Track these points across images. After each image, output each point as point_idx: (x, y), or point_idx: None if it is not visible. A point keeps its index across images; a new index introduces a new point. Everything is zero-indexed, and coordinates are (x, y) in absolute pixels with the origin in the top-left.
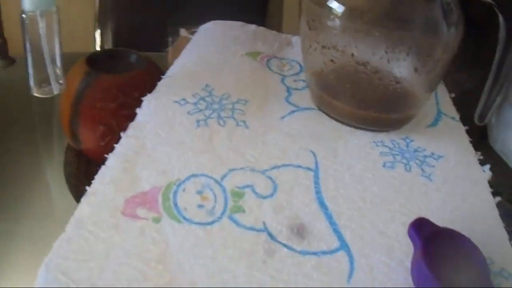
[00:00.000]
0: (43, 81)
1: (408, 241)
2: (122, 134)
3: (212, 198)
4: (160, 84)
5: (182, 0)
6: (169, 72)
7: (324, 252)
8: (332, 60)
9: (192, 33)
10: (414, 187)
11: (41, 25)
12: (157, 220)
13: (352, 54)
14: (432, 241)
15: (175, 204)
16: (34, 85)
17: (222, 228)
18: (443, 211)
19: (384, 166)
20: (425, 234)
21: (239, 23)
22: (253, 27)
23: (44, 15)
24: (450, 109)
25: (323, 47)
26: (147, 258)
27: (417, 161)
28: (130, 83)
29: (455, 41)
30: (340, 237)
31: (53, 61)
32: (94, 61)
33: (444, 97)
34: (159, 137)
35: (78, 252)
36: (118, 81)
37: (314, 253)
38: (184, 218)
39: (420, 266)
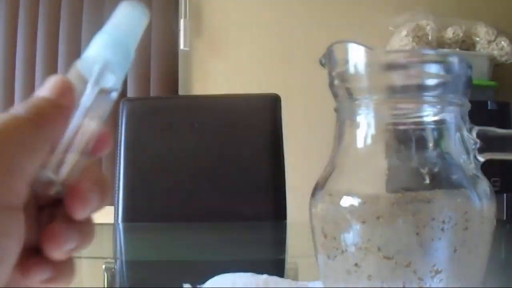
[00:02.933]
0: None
1: None
2: None
3: None
4: None
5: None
6: None
7: None
8: (356, 265)
9: None
10: None
11: (89, 94)
12: None
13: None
14: None
15: None
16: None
17: None
18: None
19: None
20: None
21: (249, 273)
22: (264, 276)
23: (100, 84)
24: None
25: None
26: None
27: None
28: None
29: None
30: None
31: (69, 150)
32: None
33: None
34: None
35: None
36: None
37: None
38: None
39: None
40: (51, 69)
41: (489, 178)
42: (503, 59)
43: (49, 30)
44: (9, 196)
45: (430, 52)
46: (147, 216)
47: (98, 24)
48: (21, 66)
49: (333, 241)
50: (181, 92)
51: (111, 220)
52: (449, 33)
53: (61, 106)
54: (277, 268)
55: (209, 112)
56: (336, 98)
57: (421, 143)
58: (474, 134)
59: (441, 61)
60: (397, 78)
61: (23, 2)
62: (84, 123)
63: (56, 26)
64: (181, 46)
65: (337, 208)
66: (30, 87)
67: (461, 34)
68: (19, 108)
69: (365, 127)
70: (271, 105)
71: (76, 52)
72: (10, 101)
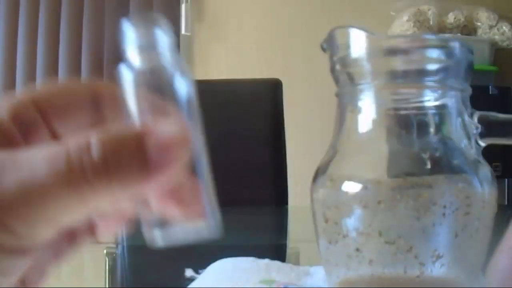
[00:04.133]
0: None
1: None
2: None
3: None
4: None
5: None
6: None
7: None
8: (357, 249)
9: (199, 273)
10: None
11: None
12: None
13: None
14: None
15: None
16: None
17: None
18: None
19: None
20: None
21: (250, 258)
22: (265, 261)
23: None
24: None
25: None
26: None
27: None
28: None
29: None
30: None
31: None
32: None
33: None
34: None
35: None
36: None
37: None
38: None
39: None
40: (52, 69)
41: (490, 163)
42: (504, 44)
43: (50, 30)
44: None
45: (431, 37)
46: None
47: (98, 24)
48: (21, 66)
49: (334, 226)
50: None
51: None
52: (451, 18)
53: None
54: (279, 253)
55: (210, 97)
56: (337, 83)
57: (422, 128)
58: (475, 119)
59: (442, 46)
60: (398, 63)
61: (23, 2)
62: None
63: (57, 26)
64: (183, 31)
65: (338, 193)
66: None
67: (462, 19)
68: None
69: (367, 112)
70: (272, 90)
71: (76, 52)
72: None
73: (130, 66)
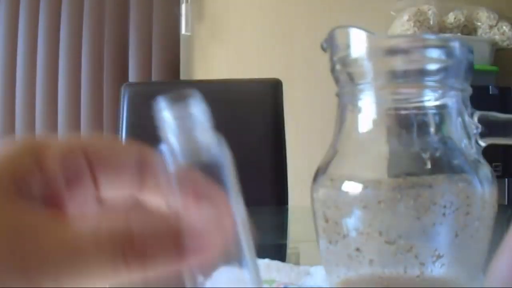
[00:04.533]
0: None
1: None
2: None
3: None
4: None
5: None
6: None
7: None
8: (358, 249)
9: None
10: None
11: None
12: None
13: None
14: None
15: None
16: None
17: None
18: None
19: None
20: None
21: None
22: (266, 260)
23: None
24: None
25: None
26: None
27: None
28: None
29: None
30: None
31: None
32: None
33: None
34: None
35: None
36: None
37: None
38: None
39: None
40: (52, 69)
41: (490, 163)
42: (505, 43)
43: (50, 30)
44: None
45: (431, 37)
46: None
47: (98, 24)
48: (21, 66)
49: (334, 226)
50: (182, 76)
51: None
52: (451, 18)
53: None
54: (279, 252)
55: (210, 97)
56: (337, 83)
57: (423, 128)
58: (475, 119)
59: (443, 46)
60: (399, 63)
61: (23, 2)
62: None
63: (57, 26)
64: (183, 31)
65: (339, 193)
66: (30, 87)
67: (462, 19)
68: None
69: (367, 112)
70: (272, 89)
71: (76, 52)
72: (10, 101)
73: (169, 146)
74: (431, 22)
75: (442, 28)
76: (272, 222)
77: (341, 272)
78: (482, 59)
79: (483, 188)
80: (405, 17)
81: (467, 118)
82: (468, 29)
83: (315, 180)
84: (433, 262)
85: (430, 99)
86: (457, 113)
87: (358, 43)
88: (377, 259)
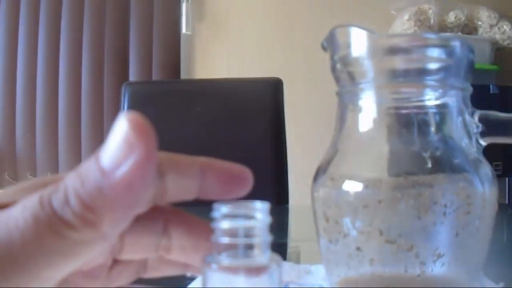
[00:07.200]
0: None
1: None
2: None
3: None
4: None
5: None
6: None
7: None
8: (358, 248)
9: None
10: None
11: None
12: None
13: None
14: None
15: None
16: None
17: None
18: None
19: None
20: None
21: None
22: None
23: None
24: None
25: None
26: None
27: None
28: None
29: None
30: None
31: None
32: None
33: None
34: None
35: None
36: None
37: None
38: None
39: None
40: (52, 69)
41: (491, 162)
42: (505, 43)
43: (50, 30)
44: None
45: (432, 36)
46: None
47: (98, 24)
48: (21, 66)
49: (335, 225)
50: (183, 76)
51: None
52: (451, 17)
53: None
54: (279, 251)
55: (211, 96)
56: (338, 82)
57: (423, 127)
58: (476, 118)
59: (443, 45)
60: (399, 62)
61: (24, 4)
62: None
63: (57, 26)
64: (183, 30)
65: (339, 192)
66: (31, 87)
67: (463, 18)
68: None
69: (367, 111)
70: (273, 89)
71: (76, 52)
72: (10, 101)
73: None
74: (432, 21)
75: (442, 27)
76: (272, 221)
77: (341, 271)
78: (483, 58)
79: (484, 187)
80: (406, 16)
81: (467, 117)
82: (468, 28)
83: (315, 179)
84: (434, 262)
85: (431, 98)
86: (458, 112)
87: (358, 42)
88: (377, 258)
